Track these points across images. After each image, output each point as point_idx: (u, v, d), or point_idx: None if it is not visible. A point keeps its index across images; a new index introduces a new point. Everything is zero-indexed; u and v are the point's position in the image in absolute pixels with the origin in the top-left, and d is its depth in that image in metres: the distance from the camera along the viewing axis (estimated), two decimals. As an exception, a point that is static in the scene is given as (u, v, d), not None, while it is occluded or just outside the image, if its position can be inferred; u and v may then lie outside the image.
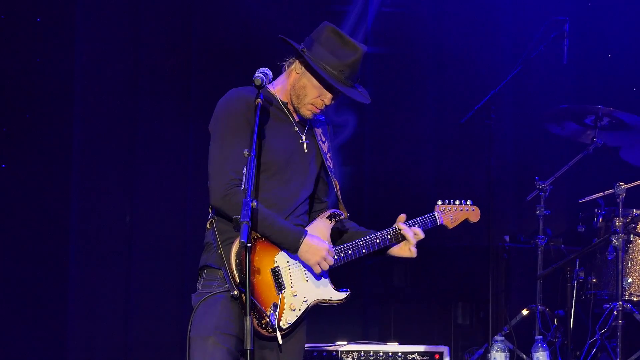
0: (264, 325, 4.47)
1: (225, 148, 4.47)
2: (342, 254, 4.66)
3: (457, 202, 4.93)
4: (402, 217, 4.78)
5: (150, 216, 8.13)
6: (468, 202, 4.96)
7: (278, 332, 4.48)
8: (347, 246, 4.68)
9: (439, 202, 4.91)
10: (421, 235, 4.75)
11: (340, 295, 4.67)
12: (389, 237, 4.74)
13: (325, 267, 4.56)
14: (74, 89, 8.05)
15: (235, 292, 4.36)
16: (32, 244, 7.93)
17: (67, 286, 7.97)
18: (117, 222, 8.13)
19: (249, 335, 4.14)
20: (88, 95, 8.10)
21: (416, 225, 4.77)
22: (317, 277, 4.62)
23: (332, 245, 4.65)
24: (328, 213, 4.71)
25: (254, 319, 4.43)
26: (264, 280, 4.51)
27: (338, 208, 4.75)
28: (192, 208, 8.07)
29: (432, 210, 4.88)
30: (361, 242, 4.70)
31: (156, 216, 8.14)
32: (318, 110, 4.67)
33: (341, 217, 4.72)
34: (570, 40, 7.40)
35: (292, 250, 4.53)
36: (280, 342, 4.49)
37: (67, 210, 7.99)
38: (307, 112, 4.66)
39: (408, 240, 4.73)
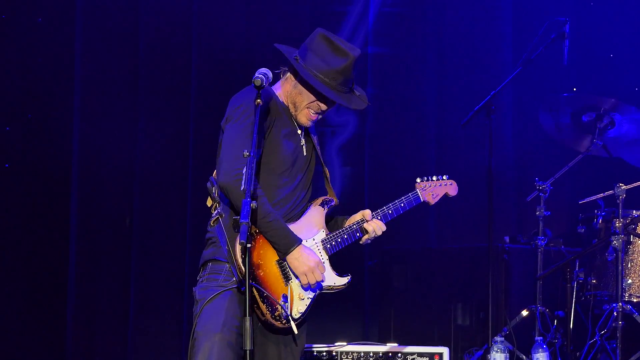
0: (277, 317, 4.49)
1: (244, 131, 4.45)
2: (334, 242, 4.72)
3: (434, 178, 4.99)
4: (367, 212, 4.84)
5: (150, 216, 8.14)
6: (444, 177, 5.02)
7: (292, 322, 4.49)
8: (337, 234, 4.75)
9: (418, 180, 4.98)
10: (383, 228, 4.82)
11: (343, 280, 4.72)
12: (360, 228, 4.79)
13: (312, 280, 4.57)
14: (74, 88, 8.07)
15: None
16: (33, 243, 7.94)
17: (67, 285, 7.98)
18: (118, 222, 8.14)
19: (249, 335, 4.15)
20: (88, 95, 8.11)
21: (386, 213, 4.81)
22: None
23: (326, 235, 4.70)
24: (320, 200, 4.77)
25: (267, 312, 4.47)
26: (271, 272, 4.53)
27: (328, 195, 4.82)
28: (192, 209, 8.07)
29: (423, 200, 4.95)
30: (346, 231, 4.75)
31: (156, 217, 8.15)
32: (315, 116, 4.68)
33: (332, 204, 4.79)
34: (570, 41, 7.39)
35: (282, 254, 4.55)
36: (296, 331, 4.51)
37: (67, 209, 8.00)
38: (304, 119, 4.69)
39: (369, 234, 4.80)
